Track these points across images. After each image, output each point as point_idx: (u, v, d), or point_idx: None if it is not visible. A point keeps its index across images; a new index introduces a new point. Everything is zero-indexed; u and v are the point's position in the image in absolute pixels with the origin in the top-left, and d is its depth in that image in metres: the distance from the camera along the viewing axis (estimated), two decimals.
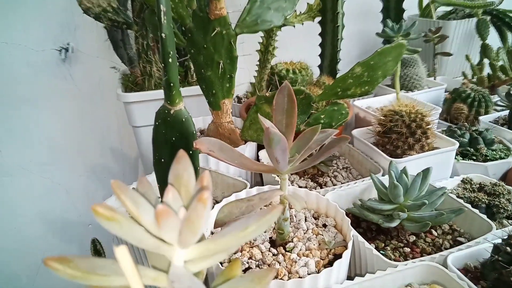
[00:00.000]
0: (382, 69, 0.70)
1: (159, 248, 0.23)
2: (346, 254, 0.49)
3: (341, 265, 0.49)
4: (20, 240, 1.31)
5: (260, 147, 0.85)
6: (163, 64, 0.57)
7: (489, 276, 0.47)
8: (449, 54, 1.14)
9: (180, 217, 0.22)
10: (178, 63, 1.01)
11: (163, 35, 0.53)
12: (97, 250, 1.00)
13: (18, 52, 1.10)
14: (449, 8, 1.33)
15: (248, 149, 0.83)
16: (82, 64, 1.16)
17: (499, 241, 0.50)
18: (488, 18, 1.21)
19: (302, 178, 0.78)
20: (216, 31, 0.73)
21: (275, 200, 0.59)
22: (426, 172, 0.59)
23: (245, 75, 1.21)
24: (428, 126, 0.75)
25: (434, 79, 1.17)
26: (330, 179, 0.76)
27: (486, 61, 1.18)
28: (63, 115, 1.21)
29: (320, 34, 1.11)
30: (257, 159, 0.85)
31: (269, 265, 0.51)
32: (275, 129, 0.42)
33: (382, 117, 0.76)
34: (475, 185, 0.68)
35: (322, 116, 0.76)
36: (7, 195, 1.25)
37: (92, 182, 1.32)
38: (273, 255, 0.53)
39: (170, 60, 0.57)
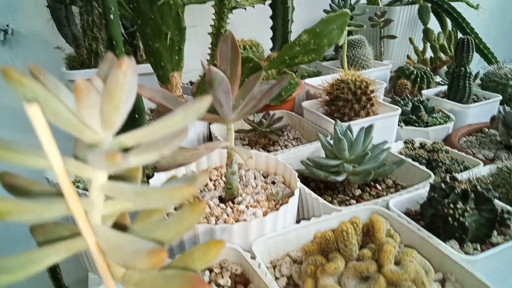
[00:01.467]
0: (327, 37, 0.73)
1: (82, 132, 0.22)
2: (293, 200, 0.50)
3: (288, 211, 0.50)
4: None
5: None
6: (104, 21, 0.56)
7: (427, 213, 0.50)
8: (394, 37, 1.19)
9: (100, 91, 0.21)
10: (126, 41, 0.99)
11: None
12: None
13: None
14: None
15: (198, 123, 0.82)
16: (23, 47, 1.11)
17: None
18: (429, 5, 1.28)
19: (254, 148, 0.78)
20: (163, 0, 0.72)
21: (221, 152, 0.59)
22: (369, 129, 0.61)
23: (198, 60, 1.21)
24: (373, 94, 0.78)
25: (381, 61, 1.22)
26: (281, 148, 0.77)
27: (428, 45, 1.25)
28: (3, 101, 1.14)
29: (271, 17, 1.12)
30: (209, 133, 0.84)
31: (217, 217, 0.51)
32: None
33: (329, 87, 0.79)
34: (416, 145, 0.71)
35: None
36: None
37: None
38: (222, 209, 0.53)
39: (111, 16, 0.56)
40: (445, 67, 1.19)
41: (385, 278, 0.37)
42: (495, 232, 0.49)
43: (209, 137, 0.86)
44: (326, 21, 0.70)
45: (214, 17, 1.10)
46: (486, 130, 0.84)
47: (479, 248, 0.47)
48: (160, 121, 0.24)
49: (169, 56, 0.78)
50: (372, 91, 0.77)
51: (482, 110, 0.88)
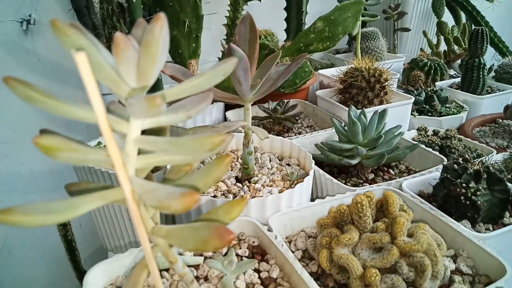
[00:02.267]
0: (342, 25, 0.74)
1: (119, 86, 0.23)
2: (308, 179, 0.52)
3: (303, 189, 0.51)
4: None
5: (227, 107, 0.86)
6: (127, 4, 0.58)
7: (439, 194, 0.51)
8: (407, 30, 1.19)
9: (136, 49, 0.23)
10: None
11: None
12: (64, 223, 0.98)
13: None
14: None
15: (215, 109, 0.84)
16: (45, 37, 1.13)
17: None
18: None
19: None
20: None
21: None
22: (382, 113, 0.62)
23: (212, 53, 1.22)
24: (386, 82, 0.78)
25: (395, 54, 1.23)
26: (295, 135, 0.79)
27: (442, 38, 1.25)
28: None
29: (285, 9, 1.14)
30: (225, 119, 0.86)
31: (234, 194, 0.52)
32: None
33: (343, 75, 0.80)
34: (429, 132, 0.72)
35: None
36: None
37: (57, 162, 1.29)
38: (239, 187, 0.55)
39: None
40: (458, 61, 1.19)
41: (398, 249, 0.38)
42: (507, 214, 0.49)
43: (225, 119, 0.87)
44: (341, 9, 0.71)
45: (229, 9, 1.12)
46: (500, 120, 0.84)
47: (491, 228, 0.48)
48: (189, 80, 0.25)
49: (187, 43, 0.80)
50: (386, 80, 0.78)
51: (495, 101, 0.88)
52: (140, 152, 0.26)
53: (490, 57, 1.20)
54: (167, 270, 0.41)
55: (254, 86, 0.49)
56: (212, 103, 0.83)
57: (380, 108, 0.75)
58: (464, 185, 0.47)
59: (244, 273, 0.40)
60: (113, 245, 0.65)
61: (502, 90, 0.91)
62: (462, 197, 0.47)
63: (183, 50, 0.80)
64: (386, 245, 0.38)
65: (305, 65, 0.78)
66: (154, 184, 0.24)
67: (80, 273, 0.97)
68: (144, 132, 0.26)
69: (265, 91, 0.49)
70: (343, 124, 0.74)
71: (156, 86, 0.62)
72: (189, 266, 0.41)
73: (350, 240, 0.39)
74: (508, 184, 0.49)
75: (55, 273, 1.33)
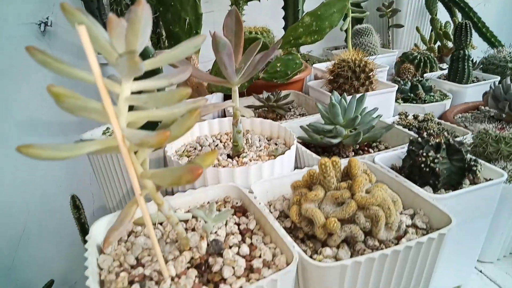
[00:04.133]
0: (328, 19, 0.80)
1: (111, 55, 0.31)
2: (289, 152, 0.58)
3: (284, 160, 0.58)
4: (1, 210, 1.35)
5: (226, 98, 0.93)
6: (129, 4, 0.66)
7: (406, 165, 0.57)
8: (400, 26, 1.25)
9: (124, 25, 0.30)
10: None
11: None
12: (76, 205, 1.06)
13: None
14: None
15: (214, 99, 0.91)
16: (61, 38, 1.23)
17: None
18: None
19: None
20: None
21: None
22: (361, 97, 0.68)
23: None
24: (372, 73, 0.84)
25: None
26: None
27: (434, 34, 1.30)
28: (43, 88, 1.27)
29: (283, 8, 1.21)
30: (224, 110, 0.93)
31: (223, 166, 0.59)
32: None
33: (332, 66, 0.86)
34: (410, 117, 0.78)
35: (278, 64, 0.85)
36: None
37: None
38: (228, 162, 0.61)
39: None
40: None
41: (356, 202, 0.44)
42: (467, 181, 0.55)
43: (224, 114, 0.94)
44: (326, 4, 0.77)
45: (230, 8, 1.20)
46: (482, 107, 0.89)
47: None
48: (167, 52, 0.33)
49: (188, 38, 0.87)
50: (371, 70, 0.84)
51: (479, 90, 0.92)
52: (130, 109, 0.33)
53: (484, 50, 1.24)
54: (161, 223, 0.48)
55: (239, 70, 0.56)
56: (211, 93, 0.91)
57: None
58: (425, 154, 0.53)
59: (225, 225, 0.46)
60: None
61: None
62: (423, 165, 0.52)
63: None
64: (346, 200, 0.45)
65: (296, 57, 0.84)
66: (139, 131, 0.31)
67: None
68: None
69: (249, 74, 0.56)
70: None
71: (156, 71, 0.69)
72: (180, 220, 0.48)
73: (316, 196, 0.45)
74: (468, 154, 0.54)
75: (71, 258, 1.41)
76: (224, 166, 0.59)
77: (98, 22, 0.94)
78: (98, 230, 0.45)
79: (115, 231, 0.32)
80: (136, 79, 0.32)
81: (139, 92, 0.33)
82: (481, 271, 0.65)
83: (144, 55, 0.71)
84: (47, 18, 1.20)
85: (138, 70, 0.28)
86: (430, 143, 0.54)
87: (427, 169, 0.52)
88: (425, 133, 0.56)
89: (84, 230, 1.02)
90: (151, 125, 0.35)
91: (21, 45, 1.11)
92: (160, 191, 0.38)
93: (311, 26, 0.79)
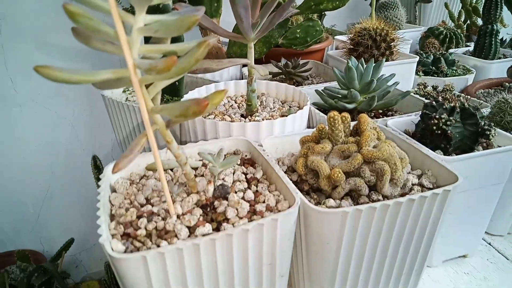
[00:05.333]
0: None
1: None
2: (301, 112, 0.58)
3: (295, 119, 0.58)
4: (27, 169, 1.41)
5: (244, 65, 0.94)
6: None
7: (418, 129, 0.56)
8: (429, 1, 1.21)
9: None
10: None
11: None
12: (97, 165, 1.10)
13: None
14: None
15: (232, 67, 0.91)
16: None
17: None
18: None
19: None
20: None
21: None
22: (378, 63, 0.67)
23: None
24: (393, 43, 0.83)
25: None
26: None
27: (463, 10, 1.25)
28: (70, 50, 1.30)
29: None
30: (241, 76, 0.94)
31: None
32: None
33: (352, 34, 0.85)
34: (429, 88, 0.76)
35: (298, 31, 0.84)
36: (15, 125, 1.35)
37: (95, 118, 1.42)
38: (242, 120, 0.62)
39: None
40: None
41: (362, 156, 0.44)
42: (480, 148, 0.54)
43: (241, 77, 0.95)
44: None
45: None
46: (506, 84, 0.86)
47: None
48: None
49: (209, 3, 0.87)
50: (392, 40, 0.83)
51: (505, 67, 0.90)
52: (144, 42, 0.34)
53: None
54: (171, 170, 0.50)
55: (256, 25, 0.56)
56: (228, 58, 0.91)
57: (384, 66, 0.80)
58: (437, 117, 0.52)
59: (233, 174, 0.48)
60: None
61: None
62: (435, 127, 0.52)
63: (206, 9, 0.88)
64: (353, 154, 0.45)
65: (316, 24, 0.84)
66: (150, 60, 0.32)
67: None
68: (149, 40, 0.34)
69: (265, 29, 0.56)
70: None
71: (178, 39, 0.70)
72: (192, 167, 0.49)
73: (323, 149, 0.46)
74: (482, 119, 0.53)
75: (91, 219, 1.47)
76: None
77: None
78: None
79: (125, 158, 0.34)
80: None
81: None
82: (490, 244, 0.64)
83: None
84: None
85: None
86: (444, 106, 0.53)
87: (439, 132, 0.52)
88: (440, 97, 0.55)
89: None
90: (171, 89, 0.36)
91: (50, 6, 1.14)
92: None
93: None
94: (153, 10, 0.33)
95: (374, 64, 0.67)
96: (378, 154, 0.43)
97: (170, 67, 0.29)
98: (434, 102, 0.55)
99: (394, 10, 1.14)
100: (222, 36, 0.58)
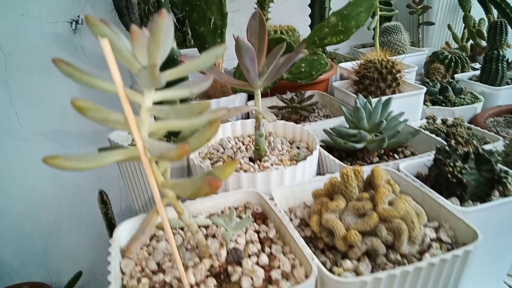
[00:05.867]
0: (355, 19, 0.78)
1: (133, 65, 0.31)
2: (311, 158, 0.57)
3: (306, 166, 0.57)
4: (34, 202, 1.41)
5: (250, 98, 0.93)
6: (157, 5, 0.66)
7: (432, 174, 0.55)
8: (431, 23, 1.21)
9: (146, 36, 0.30)
10: (176, 28, 1.11)
11: None
12: (104, 200, 1.09)
13: (33, 24, 1.20)
14: None
15: (238, 99, 0.91)
16: (91, 35, 1.25)
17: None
18: None
19: None
20: None
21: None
22: (387, 101, 0.66)
23: None
24: (399, 74, 0.82)
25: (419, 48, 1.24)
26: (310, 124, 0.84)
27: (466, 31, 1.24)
28: (74, 83, 1.30)
29: (309, 5, 1.19)
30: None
31: (245, 170, 0.59)
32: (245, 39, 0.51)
33: (358, 67, 0.84)
34: (438, 121, 0.75)
35: (303, 65, 0.84)
36: (21, 159, 1.35)
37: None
38: (250, 165, 0.61)
39: (162, 1, 0.66)
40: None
41: (378, 214, 0.43)
42: (496, 193, 0.53)
43: (247, 115, 0.94)
44: (353, 4, 0.75)
45: (256, 6, 1.19)
46: None
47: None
48: (188, 62, 0.33)
49: (213, 39, 0.87)
50: (398, 71, 0.82)
51: None
52: (153, 118, 0.33)
53: None
54: (182, 229, 0.49)
55: (262, 74, 0.55)
56: (235, 93, 0.91)
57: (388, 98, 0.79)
58: (452, 164, 0.51)
59: (245, 233, 0.47)
60: (141, 210, 0.75)
61: None
62: (449, 175, 0.51)
63: (209, 45, 0.88)
64: (368, 212, 0.44)
65: (321, 58, 0.83)
66: (160, 142, 0.31)
67: None
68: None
69: (272, 78, 0.56)
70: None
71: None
72: (200, 226, 0.48)
73: (337, 206, 0.45)
74: (498, 165, 0.52)
75: (98, 250, 1.46)
76: (245, 170, 0.59)
77: (126, 20, 0.94)
78: (122, 233, 0.47)
79: (137, 241, 0.33)
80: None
81: (161, 102, 0.34)
82: (510, 286, 0.62)
83: (169, 57, 0.71)
84: (78, 16, 1.23)
85: (159, 83, 0.28)
86: (457, 152, 0.52)
87: (454, 180, 0.51)
88: (453, 141, 0.54)
89: (110, 225, 1.05)
90: (173, 132, 0.36)
91: (54, 43, 1.16)
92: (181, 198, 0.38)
93: (337, 26, 0.77)
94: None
95: (382, 102, 0.66)
96: (394, 213, 0.42)
97: (182, 156, 0.28)
98: (447, 147, 0.54)
99: (397, 34, 1.13)
100: (229, 85, 0.57)
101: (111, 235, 1.05)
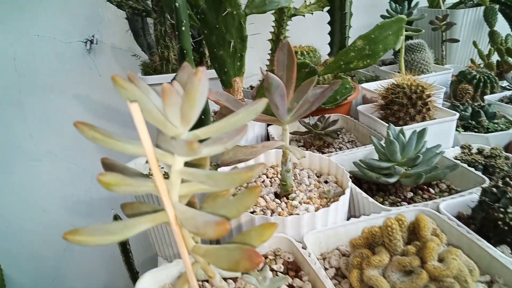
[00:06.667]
0: (382, 42, 0.75)
1: (165, 126, 0.28)
2: (344, 198, 0.53)
3: (338, 207, 0.53)
4: (47, 223, 1.39)
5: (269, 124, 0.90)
6: (176, 32, 0.63)
7: (478, 217, 0.50)
8: (456, 41, 1.16)
9: (180, 95, 0.27)
10: (193, 49, 1.08)
11: (176, 4, 0.59)
12: None
13: (48, 44, 1.19)
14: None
15: (258, 125, 0.87)
16: (105, 55, 1.24)
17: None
18: (497, 6, 1.23)
19: (309, 150, 0.82)
20: (227, 11, 0.78)
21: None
22: (422, 132, 0.62)
23: (257, 66, 1.27)
24: (429, 99, 0.78)
25: (443, 66, 1.20)
26: (335, 151, 0.80)
27: (494, 48, 1.20)
28: (88, 103, 1.29)
29: (329, 23, 1.15)
30: (267, 134, 0.90)
31: (272, 210, 0.55)
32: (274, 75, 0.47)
33: (385, 91, 0.80)
34: (474, 150, 0.71)
35: None
36: (35, 179, 1.33)
37: None
38: (277, 203, 0.57)
39: (183, 28, 0.63)
40: None
41: (428, 273, 0.39)
42: None
43: (267, 138, 0.91)
44: (381, 27, 0.72)
45: (274, 24, 1.16)
46: None
47: None
48: (225, 119, 0.29)
49: (232, 62, 0.84)
50: (428, 96, 0.78)
51: None
52: (183, 180, 0.30)
53: None
54: (207, 281, 0.45)
55: (291, 110, 0.52)
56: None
57: (420, 125, 0.75)
58: (502, 209, 0.46)
59: None
60: (163, 252, 0.71)
61: None
62: (500, 222, 0.46)
63: (228, 69, 0.85)
64: (415, 269, 0.40)
65: (346, 82, 0.79)
66: (193, 211, 0.28)
67: (133, 273, 1.05)
68: (186, 162, 0.30)
69: (302, 114, 0.52)
70: (383, 141, 0.75)
71: (203, 107, 0.66)
72: (227, 278, 0.45)
73: (380, 262, 0.41)
74: None
75: (111, 271, 1.43)
76: (272, 210, 0.55)
77: (142, 41, 0.90)
78: (145, 286, 0.43)
79: None
80: None
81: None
82: None
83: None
84: (93, 36, 1.21)
85: (196, 154, 0.25)
86: (507, 195, 0.48)
87: (505, 227, 0.46)
88: (499, 181, 0.50)
89: (125, 248, 1.01)
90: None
91: (68, 63, 1.14)
92: None
93: (363, 50, 0.74)
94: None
95: (417, 134, 0.62)
96: (447, 272, 0.38)
97: (222, 235, 0.24)
98: (493, 188, 0.49)
99: (421, 53, 1.09)
100: (258, 121, 0.54)
101: (126, 260, 1.02)
